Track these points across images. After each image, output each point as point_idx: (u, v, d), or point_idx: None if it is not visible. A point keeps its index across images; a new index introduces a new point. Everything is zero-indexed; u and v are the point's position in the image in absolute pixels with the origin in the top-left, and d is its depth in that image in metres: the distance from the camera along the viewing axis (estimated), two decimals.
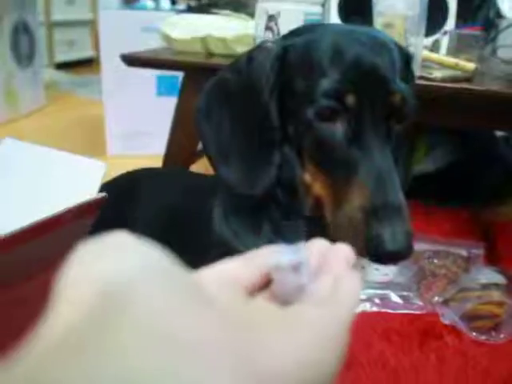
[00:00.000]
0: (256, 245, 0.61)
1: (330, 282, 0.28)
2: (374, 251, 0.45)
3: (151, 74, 1.80)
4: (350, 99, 0.49)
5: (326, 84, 0.49)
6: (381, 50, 0.52)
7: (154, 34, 1.38)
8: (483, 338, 0.94)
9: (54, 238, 0.70)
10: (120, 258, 0.21)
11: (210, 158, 0.59)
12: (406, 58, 0.57)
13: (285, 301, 0.28)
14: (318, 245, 0.32)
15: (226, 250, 0.62)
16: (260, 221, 0.61)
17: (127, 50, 1.19)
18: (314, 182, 0.54)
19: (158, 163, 1.25)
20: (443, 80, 0.99)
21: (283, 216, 0.59)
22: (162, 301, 0.19)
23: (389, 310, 1.00)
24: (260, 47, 0.57)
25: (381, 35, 0.54)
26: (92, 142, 1.96)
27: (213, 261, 0.69)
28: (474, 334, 0.94)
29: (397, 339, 0.92)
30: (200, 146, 1.30)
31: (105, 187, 0.94)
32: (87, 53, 3.71)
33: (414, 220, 1.45)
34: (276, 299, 0.28)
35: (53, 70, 3.34)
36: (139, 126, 1.88)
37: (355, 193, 0.48)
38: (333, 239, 0.49)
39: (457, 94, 0.97)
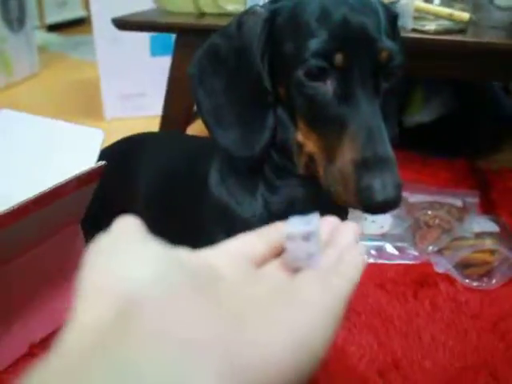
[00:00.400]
0: (251, 204, 0.63)
1: (336, 256, 0.30)
2: (364, 201, 0.47)
3: (144, 34, 1.78)
4: (339, 58, 0.50)
5: (314, 44, 0.51)
6: (367, 11, 0.53)
7: None
8: (475, 284, 0.98)
9: (56, 207, 0.72)
10: (132, 266, 0.24)
11: (205, 122, 0.61)
12: (393, 17, 0.58)
13: (295, 268, 0.30)
14: (329, 221, 0.34)
15: (223, 210, 0.65)
16: (255, 181, 0.63)
17: (118, 10, 1.18)
18: (306, 141, 0.55)
19: (155, 124, 1.26)
20: (437, 32, 0.99)
21: (278, 176, 0.61)
22: (169, 306, 0.22)
23: (385, 261, 1.03)
24: (249, 12, 0.57)
25: None
26: (89, 105, 1.96)
27: (211, 221, 0.72)
28: (467, 280, 0.98)
29: (392, 288, 0.96)
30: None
31: (105, 152, 0.96)
32: (79, 13, 3.63)
33: (409, 170, 1.46)
34: (287, 266, 0.30)
35: (44, 33, 3.29)
36: (135, 87, 1.88)
37: (346, 147, 0.50)
38: (326, 194, 0.51)
39: (450, 47, 0.97)
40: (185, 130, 1.27)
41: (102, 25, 1.71)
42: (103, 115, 1.88)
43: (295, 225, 0.30)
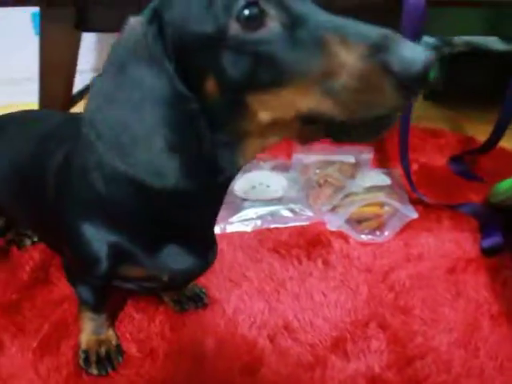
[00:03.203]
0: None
1: None
2: (404, 76, 0.37)
3: (25, 12, 1.66)
4: None
5: None
6: None
7: None
8: (368, 238, 0.99)
9: None
10: None
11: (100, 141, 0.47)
12: None
13: None
14: None
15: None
16: None
17: None
18: (266, 112, 0.45)
19: None
20: None
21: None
22: None
23: (279, 225, 1.02)
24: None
25: None
26: None
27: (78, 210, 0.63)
28: (360, 236, 0.99)
29: (285, 252, 0.94)
30: (76, 89, 1.24)
31: None
32: None
33: None
34: None
35: None
36: (22, 70, 1.76)
37: (340, 56, 0.40)
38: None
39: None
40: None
41: None
42: None
43: None
